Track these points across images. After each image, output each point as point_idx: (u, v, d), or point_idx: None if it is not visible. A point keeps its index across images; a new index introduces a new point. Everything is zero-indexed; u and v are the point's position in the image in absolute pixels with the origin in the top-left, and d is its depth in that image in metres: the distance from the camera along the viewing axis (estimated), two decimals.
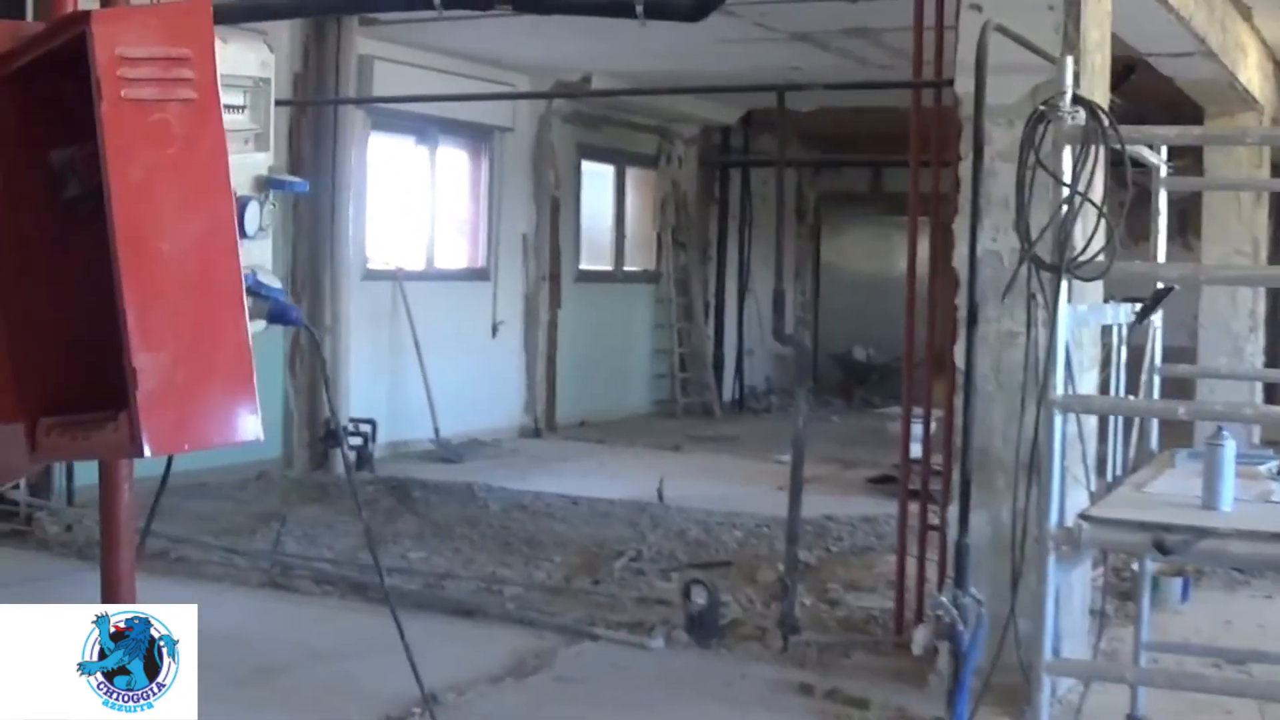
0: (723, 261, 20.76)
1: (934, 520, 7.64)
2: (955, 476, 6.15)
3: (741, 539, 10.53)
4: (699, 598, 7.59)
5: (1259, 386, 12.46)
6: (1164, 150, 5.91)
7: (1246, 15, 11.32)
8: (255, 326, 3.23)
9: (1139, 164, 5.37)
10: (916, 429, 7.90)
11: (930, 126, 7.52)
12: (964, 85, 6.23)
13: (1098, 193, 4.48)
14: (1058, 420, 4.30)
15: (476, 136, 16.22)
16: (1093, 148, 4.24)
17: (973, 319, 5.28)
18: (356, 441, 13.51)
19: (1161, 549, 4.15)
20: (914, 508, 7.83)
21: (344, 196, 13.56)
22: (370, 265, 14.65)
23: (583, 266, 18.18)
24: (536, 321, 17.04)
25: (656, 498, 11.83)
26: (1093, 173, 4.23)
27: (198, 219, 2.65)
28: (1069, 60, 4.42)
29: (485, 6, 8.19)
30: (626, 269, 19.36)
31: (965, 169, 6.14)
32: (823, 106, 17.22)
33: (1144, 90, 11.35)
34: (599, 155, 18.57)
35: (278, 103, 10.64)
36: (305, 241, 13.47)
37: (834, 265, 22.89)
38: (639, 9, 7.62)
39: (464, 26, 12.74)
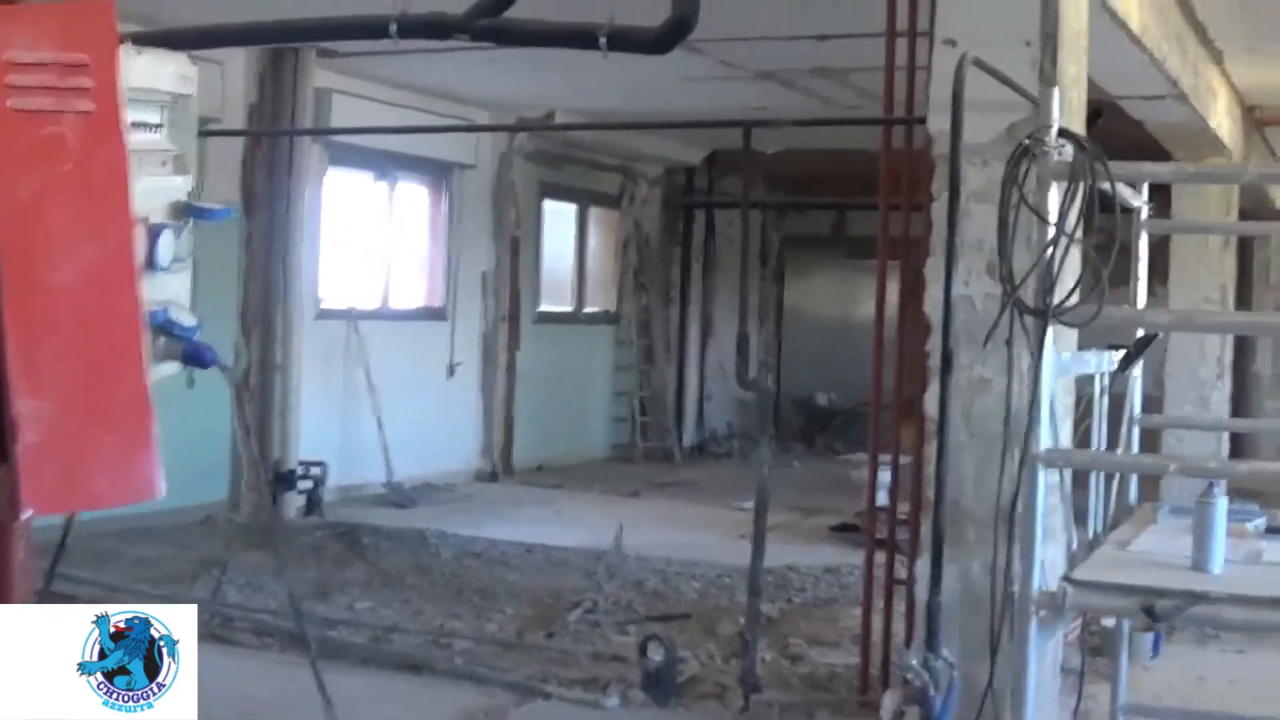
0: (685, 304, 20.53)
1: (900, 570, 7.37)
2: (924, 529, 5.89)
3: (701, 589, 10.24)
4: (656, 654, 7.28)
5: (1225, 436, 12.28)
6: (1145, 191, 5.67)
7: (1218, 59, 11.16)
8: (167, 369, 2.96)
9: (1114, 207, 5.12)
10: (880, 476, 7.64)
11: (901, 168, 7.29)
12: (937, 123, 5.99)
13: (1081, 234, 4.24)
14: (1041, 476, 4.03)
15: (436, 173, 15.95)
16: (1080, 185, 3.98)
17: (947, 366, 5.02)
18: (307, 485, 13.20)
19: (1152, 615, 3.88)
20: (879, 557, 7.57)
21: (298, 232, 13.27)
22: (324, 304, 14.33)
23: (542, 307, 17.90)
24: (494, 363, 16.75)
25: (614, 546, 11.54)
26: (1082, 211, 3.97)
27: (93, 246, 2.37)
28: (1054, 91, 4.16)
29: (443, 36, 7.89)
30: (587, 310, 19.10)
31: (939, 209, 5.88)
32: (788, 148, 17.09)
33: (1111, 134, 11.09)
34: (561, 194, 18.32)
35: (231, 133, 10.31)
36: (257, 278, 13.17)
37: (797, 309, 22.67)
38: (602, 40, 7.36)
39: (425, 60, 12.50)
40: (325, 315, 14.29)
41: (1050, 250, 4.02)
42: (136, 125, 2.85)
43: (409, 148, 14.82)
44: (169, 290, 2.96)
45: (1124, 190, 5.30)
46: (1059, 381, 5.55)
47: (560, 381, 17.96)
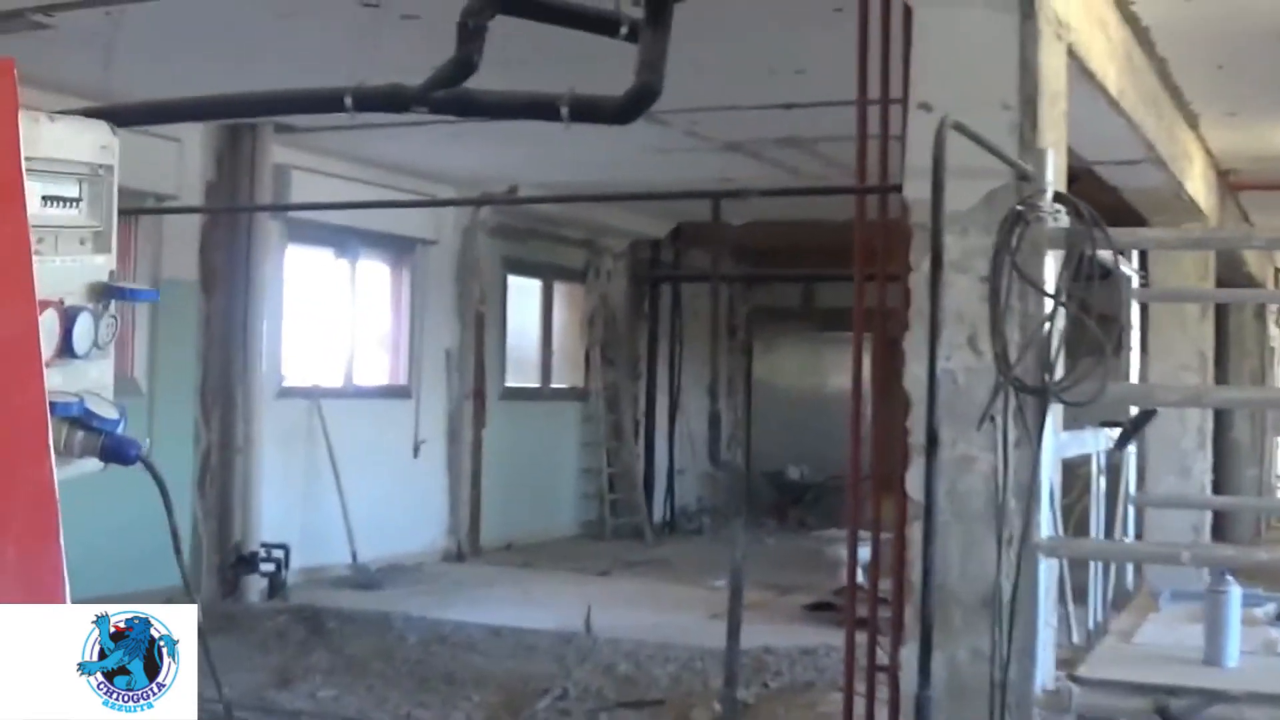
0: (653, 378, 20.28)
1: (881, 653, 7.06)
2: (908, 616, 5.60)
3: (674, 673, 9.94)
4: None
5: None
6: (1135, 259, 5.43)
7: (1193, 123, 10.99)
8: (86, 466, 2.68)
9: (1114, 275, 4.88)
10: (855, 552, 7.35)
11: (874, 238, 7.05)
12: (914, 190, 5.73)
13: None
14: (1042, 566, 3.76)
15: (398, 249, 15.71)
16: (1078, 253, 3.73)
17: (933, 446, 4.74)
18: (269, 568, 12.89)
19: (1166, 716, 3.60)
20: (860, 638, 7.26)
21: (258, 310, 13.01)
22: (286, 382, 14.05)
23: (508, 383, 17.64)
24: (460, 440, 16.45)
25: (584, 628, 11.24)
26: (1087, 280, 3.71)
27: None
28: (1049, 153, 3.92)
29: (401, 108, 7.66)
30: (554, 386, 18.84)
31: (917, 280, 5.62)
32: (755, 219, 16.90)
33: (1085, 201, 10.94)
34: (525, 269, 18.10)
35: (189, 210, 10.04)
36: (216, 357, 12.92)
37: (765, 382, 22.46)
38: (563, 110, 7.14)
39: (385, 135, 12.31)
40: (287, 394, 14.02)
41: (1048, 323, 3.77)
42: (51, 199, 2.59)
43: (370, 224, 14.57)
44: (88, 379, 2.68)
45: (1113, 258, 5.06)
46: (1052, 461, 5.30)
47: (528, 459, 17.67)
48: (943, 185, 4.68)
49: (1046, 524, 3.85)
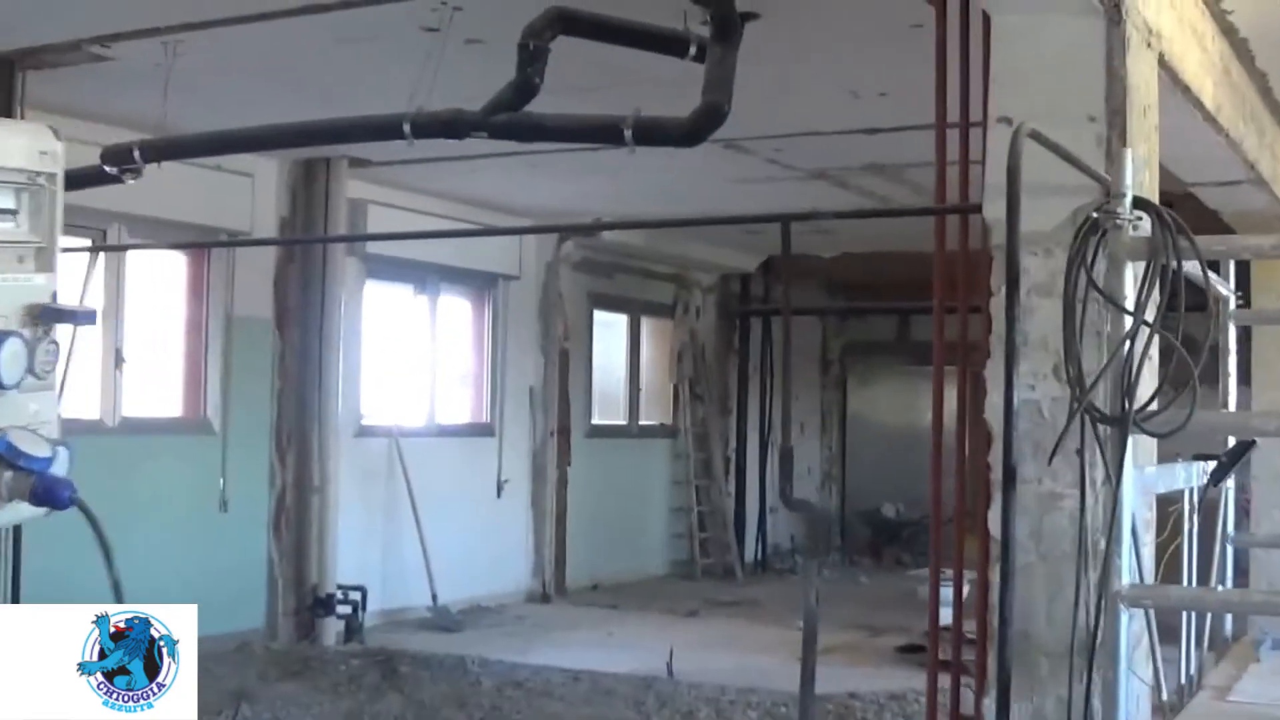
0: (743, 415, 19.90)
1: (966, 692, 6.66)
2: (990, 663, 5.21)
3: None
4: None
5: None
6: (1232, 278, 5.02)
7: None
8: (21, 511, 2.40)
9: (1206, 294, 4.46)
10: (944, 591, 6.96)
11: (957, 267, 6.66)
12: (993, 210, 5.35)
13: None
14: (1124, 618, 3.37)
15: (480, 284, 15.48)
16: (1160, 264, 3.34)
17: (1010, 481, 4.36)
18: (345, 610, 12.64)
19: None
20: (944, 680, 6.86)
21: (334, 347, 12.79)
22: (365, 420, 13.83)
23: (595, 421, 17.36)
24: (545, 479, 16.18)
25: (666, 672, 10.89)
26: (1164, 298, 3.33)
27: None
28: (1128, 153, 3.55)
29: (460, 134, 7.42)
30: (642, 423, 18.50)
31: (997, 304, 5.23)
32: (845, 252, 16.57)
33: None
34: (611, 304, 17.83)
35: (262, 242, 9.82)
36: (291, 396, 12.74)
37: (861, 417, 22.03)
38: (627, 133, 6.85)
39: (464, 169, 12.11)
40: (366, 433, 13.81)
41: (1127, 344, 3.38)
42: None
43: (450, 259, 14.36)
44: (26, 413, 2.40)
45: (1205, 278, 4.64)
46: (1140, 498, 4.89)
47: (615, 497, 17.36)
48: (1018, 198, 4.29)
49: (1129, 568, 3.46)
